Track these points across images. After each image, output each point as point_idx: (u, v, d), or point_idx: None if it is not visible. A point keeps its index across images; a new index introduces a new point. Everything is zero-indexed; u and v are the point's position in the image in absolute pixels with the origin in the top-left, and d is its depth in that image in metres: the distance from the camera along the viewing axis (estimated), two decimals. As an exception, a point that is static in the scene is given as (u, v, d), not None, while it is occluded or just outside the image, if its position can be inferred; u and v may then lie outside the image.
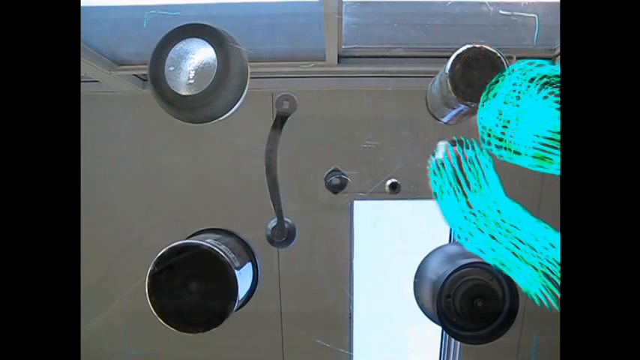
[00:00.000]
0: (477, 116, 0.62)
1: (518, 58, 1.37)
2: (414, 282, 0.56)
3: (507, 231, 0.56)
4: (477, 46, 0.62)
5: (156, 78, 0.59)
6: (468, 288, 0.50)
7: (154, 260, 0.52)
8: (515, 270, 0.57)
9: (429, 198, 0.69)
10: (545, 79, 0.55)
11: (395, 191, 0.52)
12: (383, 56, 1.51)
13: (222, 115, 0.62)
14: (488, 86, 0.62)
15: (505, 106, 0.59)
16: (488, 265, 0.50)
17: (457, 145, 0.51)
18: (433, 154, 0.65)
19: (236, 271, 0.53)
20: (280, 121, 0.56)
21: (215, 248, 0.52)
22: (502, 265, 0.52)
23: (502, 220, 0.64)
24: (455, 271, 0.50)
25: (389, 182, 0.51)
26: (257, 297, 0.63)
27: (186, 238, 0.58)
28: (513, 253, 0.57)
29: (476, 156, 0.68)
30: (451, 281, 0.50)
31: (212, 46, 0.59)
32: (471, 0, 1.11)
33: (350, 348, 1.99)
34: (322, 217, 1.83)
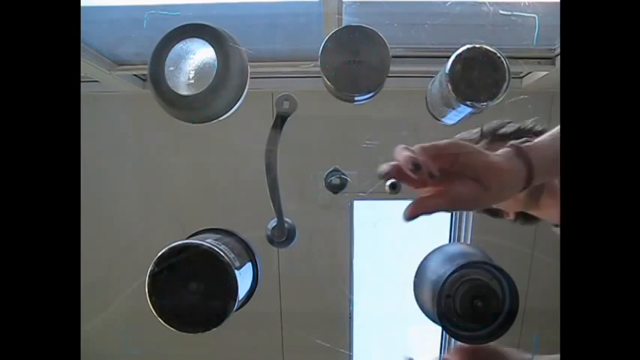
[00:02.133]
0: None
1: (518, 58, 1.36)
2: (414, 282, 0.56)
3: None
4: (477, 46, 0.62)
5: (156, 78, 0.59)
6: (468, 288, 0.50)
7: (154, 260, 0.51)
8: None
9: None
10: None
11: (395, 191, 0.51)
12: (383, 56, 1.51)
13: (222, 115, 0.62)
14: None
15: None
16: (489, 264, 0.50)
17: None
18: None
19: (236, 271, 0.53)
20: (280, 121, 0.56)
21: (215, 248, 0.52)
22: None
23: None
24: (455, 271, 0.49)
25: (389, 182, 0.50)
26: (257, 297, 0.63)
27: (186, 238, 0.58)
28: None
29: None
30: (451, 281, 0.50)
31: (212, 46, 0.59)
32: (470, 0, 1.11)
33: (350, 348, 1.99)
34: (322, 217, 1.83)
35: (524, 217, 0.93)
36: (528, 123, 0.93)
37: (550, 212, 0.85)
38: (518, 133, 0.92)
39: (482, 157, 0.50)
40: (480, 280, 0.50)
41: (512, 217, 0.94)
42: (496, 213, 0.97)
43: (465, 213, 1.72)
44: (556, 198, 0.83)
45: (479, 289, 0.50)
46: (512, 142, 0.53)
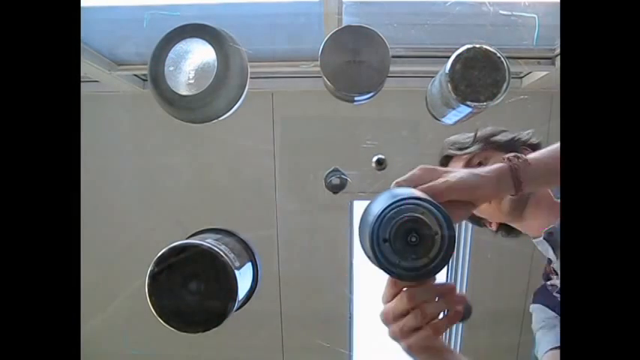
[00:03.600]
0: None
1: (518, 58, 1.37)
2: (358, 229, 0.55)
3: None
4: (477, 46, 0.62)
5: (156, 78, 0.59)
6: (401, 225, 0.49)
7: (154, 260, 0.51)
8: None
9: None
10: None
11: (382, 167, 0.51)
12: (383, 56, 1.51)
13: (222, 115, 0.62)
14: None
15: None
16: (412, 198, 0.49)
17: None
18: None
19: (236, 271, 0.53)
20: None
21: (215, 248, 0.52)
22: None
23: None
24: (379, 216, 0.49)
25: (375, 158, 0.50)
26: (257, 297, 0.63)
27: (186, 238, 0.58)
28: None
29: None
30: (384, 226, 0.49)
31: (212, 46, 0.59)
32: (470, 0, 1.11)
33: (350, 348, 1.99)
34: (322, 217, 1.83)
35: (505, 230, 0.94)
36: (524, 134, 0.93)
37: (531, 224, 0.86)
38: (512, 143, 0.92)
39: (476, 192, 0.54)
40: (411, 216, 0.49)
41: (494, 227, 0.94)
42: (479, 222, 0.97)
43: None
44: (539, 209, 0.84)
45: (411, 224, 0.49)
46: (508, 156, 0.56)
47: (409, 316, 0.50)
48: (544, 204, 0.83)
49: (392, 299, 0.52)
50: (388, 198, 0.50)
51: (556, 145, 0.57)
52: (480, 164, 0.88)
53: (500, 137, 0.92)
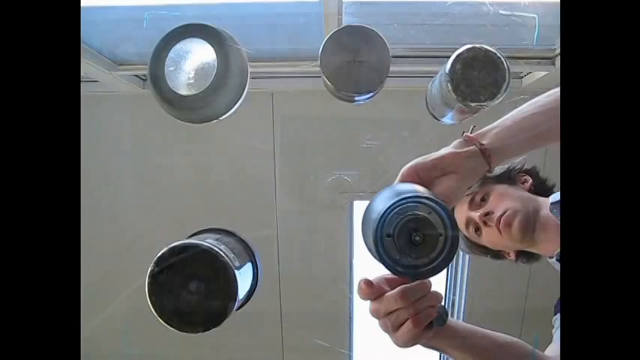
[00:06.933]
0: None
1: (518, 58, 1.37)
2: (361, 224, 0.56)
3: None
4: (477, 46, 0.62)
5: (156, 78, 0.59)
6: (406, 223, 0.49)
7: (154, 260, 0.51)
8: None
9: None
10: None
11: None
12: (383, 56, 1.51)
13: (222, 115, 0.62)
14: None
15: None
16: (421, 197, 0.49)
17: None
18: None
19: (236, 271, 0.53)
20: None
21: (215, 248, 0.52)
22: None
23: None
24: (386, 211, 0.49)
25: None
26: (257, 297, 0.63)
27: (187, 238, 0.58)
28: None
29: None
30: (389, 220, 0.49)
31: (212, 46, 0.59)
32: (470, 0, 1.11)
33: (350, 348, 1.99)
34: (322, 217, 1.83)
35: (524, 256, 0.95)
36: (516, 163, 0.96)
37: (545, 246, 0.87)
38: (508, 173, 0.95)
39: (445, 157, 0.58)
40: (416, 215, 0.49)
41: (513, 257, 0.95)
42: (497, 255, 0.98)
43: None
44: (548, 232, 0.85)
45: (416, 222, 0.49)
46: (465, 133, 0.59)
47: (399, 312, 0.52)
48: (552, 226, 0.84)
49: (377, 297, 0.54)
50: (396, 194, 0.49)
51: (514, 111, 0.60)
52: (482, 200, 0.90)
53: (495, 171, 0.94)
